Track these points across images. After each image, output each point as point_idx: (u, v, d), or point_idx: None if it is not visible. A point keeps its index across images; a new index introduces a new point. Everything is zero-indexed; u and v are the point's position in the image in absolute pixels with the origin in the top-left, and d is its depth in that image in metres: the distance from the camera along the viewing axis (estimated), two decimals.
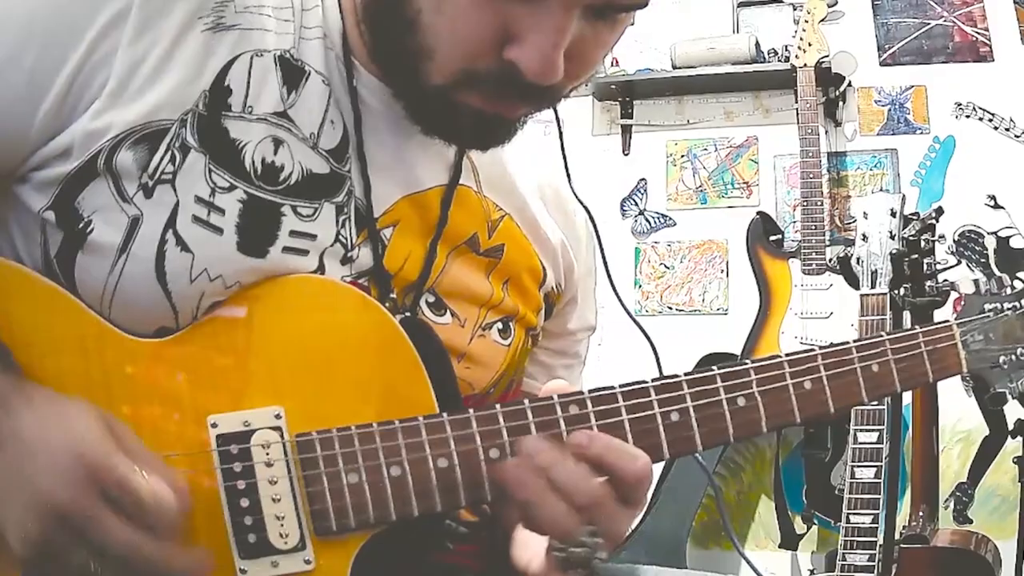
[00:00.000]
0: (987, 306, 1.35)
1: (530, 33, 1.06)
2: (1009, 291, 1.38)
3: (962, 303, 1.38)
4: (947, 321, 1.32)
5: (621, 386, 1.15)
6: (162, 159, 1.12)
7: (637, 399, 1.15)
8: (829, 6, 4.51)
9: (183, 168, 1.13)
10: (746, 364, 1.19)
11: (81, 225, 1.11)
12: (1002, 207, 4.42)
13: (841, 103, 4.64)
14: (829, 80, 4.53)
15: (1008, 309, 1.36)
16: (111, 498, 0.97)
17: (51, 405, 1.03)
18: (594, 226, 1.52)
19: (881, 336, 1.26)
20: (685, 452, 1.18)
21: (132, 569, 0.97)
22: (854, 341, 1.25)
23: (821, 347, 1.23)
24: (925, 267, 2.85)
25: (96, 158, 1.10)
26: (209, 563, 1.03)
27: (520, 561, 1.22)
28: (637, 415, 1.15)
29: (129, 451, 1.01)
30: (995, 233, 4.42)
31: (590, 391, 1.14)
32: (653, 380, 1.16)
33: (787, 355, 1.21)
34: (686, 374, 1.17)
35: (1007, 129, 4.47)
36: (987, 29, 4.54)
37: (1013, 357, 1.35)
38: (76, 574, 0.97)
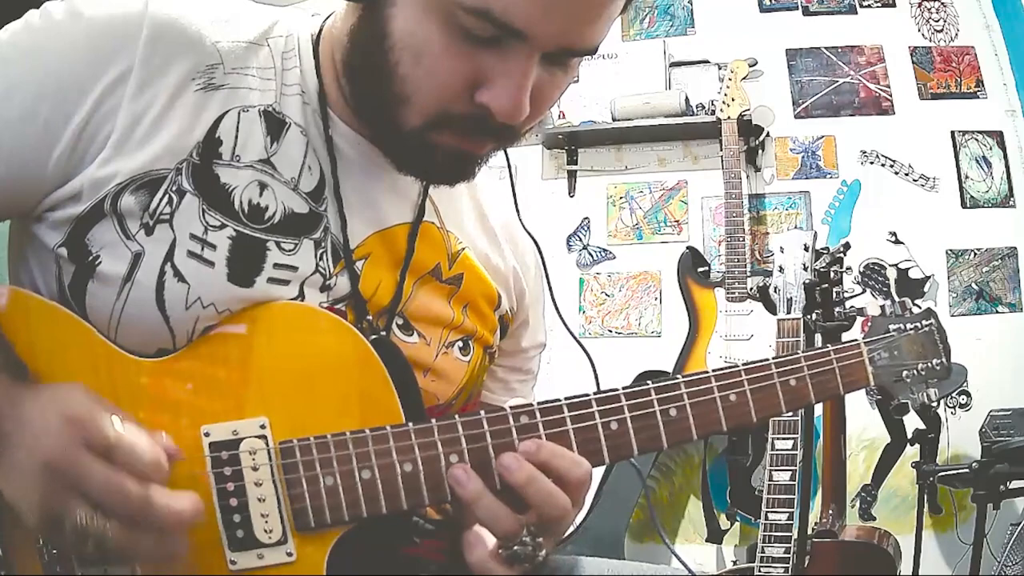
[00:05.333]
0: (891, 327, 1.36)
1: (499, 77, 1.07)
2: (910, 314, 1.39)
3: (869, 324, 1.39)
4: (856, 340, 1.32)
5: (567, 399, 1.15)
6: (161, 201, 1.13)
7: (580, 410, 1.15)
8: (750, 66, 4.56)
9: (180, 209, 1.13)
10: (677, 379, 1.19)
11: (90, 259, 1.12)
12: (902, 242, 4.45)
13: (760, 151, 4.66)
14: (750, 131, 4.55)
15: (910, 329, 1.37)
16: (94, 446, 0.95)
17: (48, 391, 1.01)
18: (542, 258, 1.52)
19: (798, 354, 1.26)
20: (623, 457, 1.17)
21: (124, 512, 0.95)
22: (774, 359, 1.25)
23: (744, 364, 1.23)
24: (834, 295, 2.86)
25: (103, 201, 1.11)
26: (193, 506, 1.00)
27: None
28: (580, 424, 1.15)
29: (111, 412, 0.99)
30: (896, 265, 4.45)
31: (539, 403, 1.15)
32: (595, 393, 1.17)
33: (714, 371, 1.21)
34: (624, 388, 1.18)
35: (906, 174, 4.52)
36: (889, 86, 4.59)
37: (915, 372, 1.35)
38: (85, 534, 0.94)
